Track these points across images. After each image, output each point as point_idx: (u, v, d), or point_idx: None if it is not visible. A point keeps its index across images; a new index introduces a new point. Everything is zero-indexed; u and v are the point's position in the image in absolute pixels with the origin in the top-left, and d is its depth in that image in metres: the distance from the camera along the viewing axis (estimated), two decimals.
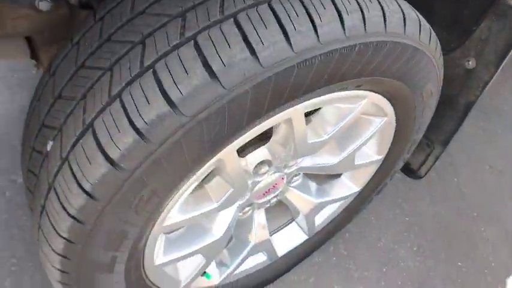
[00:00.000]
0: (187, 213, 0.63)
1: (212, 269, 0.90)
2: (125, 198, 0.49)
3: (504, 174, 1.48)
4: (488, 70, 0.87)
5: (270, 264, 1.02)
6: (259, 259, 0.99)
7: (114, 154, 0.46)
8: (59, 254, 0.51)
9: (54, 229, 0.49)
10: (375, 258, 1.20)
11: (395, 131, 0.84)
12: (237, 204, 0.75)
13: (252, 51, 0.45)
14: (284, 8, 0.47)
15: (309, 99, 0.57)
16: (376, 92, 0.68)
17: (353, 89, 0.62)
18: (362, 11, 0.52)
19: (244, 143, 0.57)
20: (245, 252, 0.89)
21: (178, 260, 0.72)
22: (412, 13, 0.61)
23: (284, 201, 0.91)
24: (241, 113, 0.49)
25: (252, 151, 0.70)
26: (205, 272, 0.89)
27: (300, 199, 0.91)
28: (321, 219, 1.01)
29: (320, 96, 0.58)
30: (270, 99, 0.50)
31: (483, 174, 1.47)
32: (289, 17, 0.47)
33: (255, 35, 0.46)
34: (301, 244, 1.04)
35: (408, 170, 1.16)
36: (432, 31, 0.68)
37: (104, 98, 0.47)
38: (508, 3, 0.77)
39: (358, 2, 0.52)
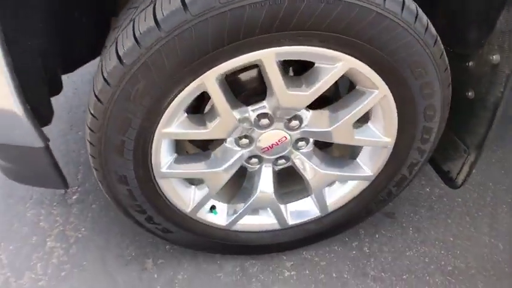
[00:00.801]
0: (182, 128, 0.83)
1: (221, 209, 1.06)
2: (126, 88, 0.72)
3: None
4: (509, 63, 0.84)
5: (279, 231, 1.12)
6: (270, 221, 1.11)
7: (120, 52, 0.70)
8: (91, 113, 0.78)
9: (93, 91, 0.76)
10: (398, 264, 1.16)
11: (398, 111, 0.89)
12: (232, 140, 0.90)
13: None
14: None
15: (275, 46, 0.72)
16: (355, 58, 0.77)
17: (320, 46, 0.73)
18: None
19: (220, 72, 0.74)
20: (249, 202, 1.03)
21: (181, 175, 0.92)
22: None
23: (294, 167, 1.02)
24: (205, 38, 0.68)
25: (253, 102, 0.87)
26: (214, 209, 1.06)
27: (307, 166, 1.00)
28: (331, 198, 1.08)
29: (286, 46, 0.72)
30: (228, 32, 0.68)
31: None
32: None
33: None
34: (312, 221, 1.11)
35: (447, 179, 1.12)
36: (420, 13, 0.75)
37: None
38: None
39: None
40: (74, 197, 1.33)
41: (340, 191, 1.08)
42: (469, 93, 0.97)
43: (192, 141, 1.07)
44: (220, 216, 1.06)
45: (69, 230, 1.23)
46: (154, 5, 0.68)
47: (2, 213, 1.27)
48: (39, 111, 0.82)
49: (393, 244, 1.22)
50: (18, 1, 0.72)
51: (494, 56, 0.87)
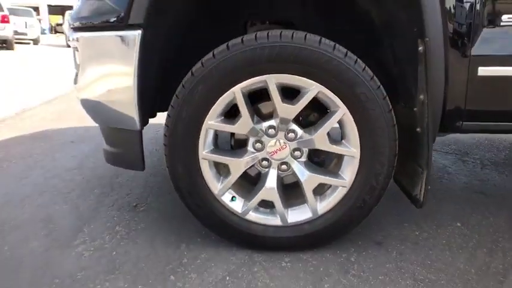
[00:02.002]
0: (219, 126, 1.37)
1: (239, 200, 1.48)
2: (192, 89, 1.33)
3: None
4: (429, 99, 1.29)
5: (281, 227, 1.47)
6: (275, 218, 1.47)
7: (193, 69, 1.34)
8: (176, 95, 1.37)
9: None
10: (377, 269, 1.40)
11: (357, 128, 1.34)
12: (251, 143, 1.41)
13: None
14: None
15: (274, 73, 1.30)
16: (321, 84, 1.30)
17: (301, 76, 1.30)
18: None
19: (243, 86, 1.32)
20: (259, 195, 1.44)
21: (214, 159, 1.41)
22: None
23: (293, 174, 1.45)
24: (235, 64, 1.30)
25: (266, 119, 1.41)
26: (234, 198, 1.48)
27: (301, 171, 1.43)
28: (321, 204, 1.44)
29: (281, 74, 1.30)
30: (246, 62, 1.29)
31: None
32: None
33: None
34: (307, 222, 1.46)
35: (415, 200, 1.44)
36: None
37: None
38: None
39: None
40: (141, 208, 1.83)
41: (327, 198, 1.45)
42: (418, 129, 1.40)
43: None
44: (237, 203, 1.47)
45: (132, 223, 1.70)
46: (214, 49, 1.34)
47: (96, 213, 1.81)
48: (143, 113, 1.45)
49: (376, 259, 1.46)
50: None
51: (421, 96, 1.34)
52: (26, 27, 15.42)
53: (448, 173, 2.27)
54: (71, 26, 1.50)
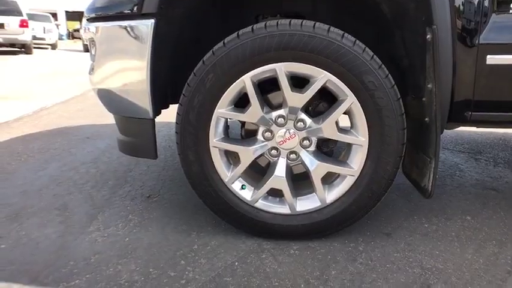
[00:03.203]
0: (229, 114, 1.40)
1: (248, 188, 1.50)
2: (203, 77, 1.36)
3: None
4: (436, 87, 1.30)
5: (290, 215, 1.48)
6: (284, 206, 1.49)
7: (204, 58, 1.38)
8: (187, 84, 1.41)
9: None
10: (385, 258, 1.40)
11: (365, 116, 1.35)
12: (261, 133, 1.43)
13: None
14: None
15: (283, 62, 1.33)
16: (330, 73, 1.33)
17: (308, 64, 1.32)
18: None
19: (251, 75, 1.35)
20: (268, 183, 1.46)
21: (224, 147, 1.44)
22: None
23: (302, 163, 1.47)
24: (244, 53, 1.33)
25: (275, 109, 1.44)
26: (244, 185, 1.50)
27: (309, 160, 1.45)
28: (329, 193, 1.45)
29: (289, 62, 1.33)
30: (256, 50, 1.32)
31: None
32: None
33: None
34: (315, 211, 1.47)
35: (423, 191, 1.44)
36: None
37: None
38: None
39: None
40: (154, 199, 1.87)
41: (336, 187, 1.47)
42: (426, 119, 1.41)
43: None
44: (247, 192, 1.50)
45: (145, 212, 1.74)
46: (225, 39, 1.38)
47: (109, 202, 1.86)
48: (155, 107, 1.48)
49: (384, 248, 1.46)
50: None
51: (429, 85, 1.35)
52: (44, 32, 15.77)
53: (460, 170, 2.26)
54: (87, 18, 1.56)
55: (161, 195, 1.92)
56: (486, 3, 1.25)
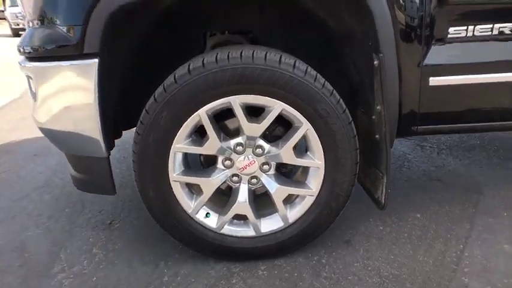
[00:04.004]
0: (187, 145, 1.40)
1: (213, 216, 1.53)
2: (156, 115, 1.34)
3: None
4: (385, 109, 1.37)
5: (255, 237, 1.53)
6: (247, 229, 1.54)
7: (155, 94, 1.34)
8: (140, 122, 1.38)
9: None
10: (346, 270, 1.50)
11: (320, 142, 1.40)
12: (221, 161, 1.45)
13: None
14: None
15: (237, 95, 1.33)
16: (284, 103, 1.35)
17: (263, 95, 1.34)
18: None
19: (206, 109, 1.34)
20: (232, 210, 1.49)
21: (185, 180, 1.44)
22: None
23: (263, 185, 1.51)
24: (197, 88, 1.31)
25: (233, 136, 1.44)
26: (208, 214, 1.52)
27: (270, 184, 1.49)
28: (291, 212, 1.51)
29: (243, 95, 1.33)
30: (209, 85, 1.31)
31: None
32: None
33: None
34: (279, 231, 1.53)
35: (377, 202, 1.54)
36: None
37: None
38: None
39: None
40: (116, 225, 1.85)
41: (296, 206, 1.53)
42: (377, 136, 1.48)
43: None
44: (212, 219, 1.52)
45: (109, 243, 1.72)
46: (176, 72, 1.34)
47: (70, 235, 1.80)
48: (107, 141, 1.44)
49: (345, 259, 1.56)
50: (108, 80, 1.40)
51: (378, 106, 1.41)
52: None
53: (407, 160, 2.41)
54: (24, 54, 1.45)
55: (122, 219, 1.90)
56: (427, 33, 1.31)
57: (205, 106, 1.35)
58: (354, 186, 1.50)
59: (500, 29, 1.31)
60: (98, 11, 1.25)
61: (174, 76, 1.33)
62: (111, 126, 1.51)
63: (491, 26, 1.30)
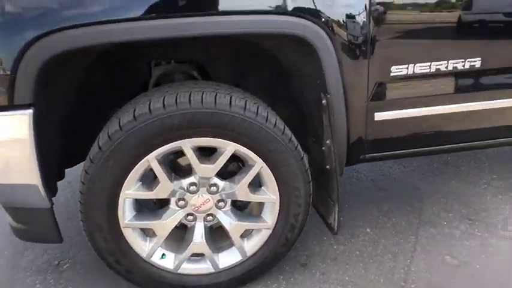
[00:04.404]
0: (137, 191, 1.34)
1: (169, 256, 1.50)
2: (103, 164, 1.27)
3: None
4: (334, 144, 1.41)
5: (214, 273, 1.53)
6: (206, 266, 1.53)
7: (100, 143, 1.26)
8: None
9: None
10: None
11: (275, 177, 1.41)
12: (174, 202, 1.41)
13: None
14: None
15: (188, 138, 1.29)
16: (237, 143, 1.34)
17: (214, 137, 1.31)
18: None
19: (156, 155, 1.29)
20: (188, 250, 1.47)
21: (137, 226, 1.39)
22: None
23: (220, 222, 1.50)
24: (145, 134, 1.25)
25: (186, 176, 1.41)
26: (164, 255, 1.49)
27: (227, 220, 1.48)
28: (248, 246, 1.52)
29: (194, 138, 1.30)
30: (158, 131, 1.26)
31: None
32: None
33: None
34: (237, 265, 1.54)
35: (331, 228, 1.59)
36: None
37: None
38: None
39: None
40: (65, 266, 1.75)
41: (253, 239, 1.53)
42: (327, 167, 1.52)
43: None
44: (168, 260, 1.49)
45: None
46: (120, 117, 1.28)
47: (13, 282, 1.68)
48: (49, 186, 1.35)
49: (303, 284, 1.61)
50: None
51: (328, 141, 1.45)
52: None
53: (356, 171, 2.50)
54: None
55: (72, 258, 1.80)
56: (372, 72, 1.35)
57: (155, 151, 1.30)
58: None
59: (437, 67, 1.38)
60: (28, 60, 1.14)
61: (119, 123, 1.26)
62: (53, 172, 1.41)
63: (428, 64, 1.37)
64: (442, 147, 1.64)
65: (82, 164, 1.37)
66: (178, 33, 1.20)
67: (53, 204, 1.35)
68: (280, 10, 1.22)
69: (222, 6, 1.21)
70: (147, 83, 1.70)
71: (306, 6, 1.22)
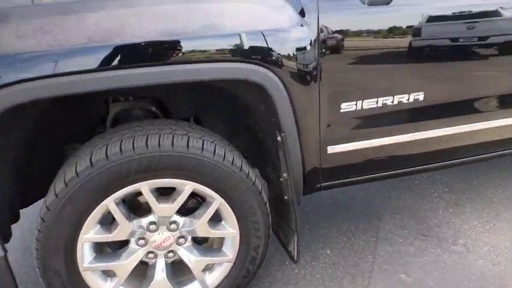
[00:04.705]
0: (96, 234, 1.34)
1: None
2: (60, 211, 1.25)
3: None
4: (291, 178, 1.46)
5: None
6: None
7: (56, 190, 1.25)
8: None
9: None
10: None
11: (233, 212, 1.45)
12: (134, 241, 1.41)
13: None
14: None
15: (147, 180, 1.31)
16: (195, 182, 1.36)
17: (172, 178, 1.33)
18: None
19: (114, 198, 1.30)
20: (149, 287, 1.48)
21: (97, 268, 1.39)
22: None
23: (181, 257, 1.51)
24: (101, 180, 1.25)
25: (145, 214, 1.41)
26: None
27: (188, 256, 1.50)
28: (211, 279, 1.55)
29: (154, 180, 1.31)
30: (115, 175, 1.26)
31: None
32: None
33: None
34: None
35: (291, 256, 1.64)
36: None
37: None
38: None
39: None
40: None
41: (215, 272, 1.56)
42: (285, 197, 1.57)
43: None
44: None
45: None
46: (77, 162, 1.27)
47: None
48: (2, 231, 1.32)
49: None
50: None
51: (284, 174, 1.50)
52: None
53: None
54: None
55: None
56: (323, 109, 1.42)
57: (113, 195, 1.30)
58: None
59: (383, 102, 1.47)
60: None
61: (76, 170, 1.25)
62: (6, 216, 1.38)
63: (375, 100, 1.45)
64: (394, 171, 1.73)
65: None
66: (140, 83, 1.22)
67: (6, 252, 1.32)
68: (236, 58, 1.26)
69: (176, 57, 1.24)
70: (105, 118, 1.69)
71: (261, 54, 1.27)
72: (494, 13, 1.60)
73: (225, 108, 1.70)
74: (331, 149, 1.49)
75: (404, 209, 2.33)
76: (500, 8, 1.58)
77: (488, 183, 2.60)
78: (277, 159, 1.50)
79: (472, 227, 2.17)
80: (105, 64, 1.17)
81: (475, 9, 1.57)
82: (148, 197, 1.35)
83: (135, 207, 1.46)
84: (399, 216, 2.26)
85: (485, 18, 1.57)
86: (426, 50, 1.52)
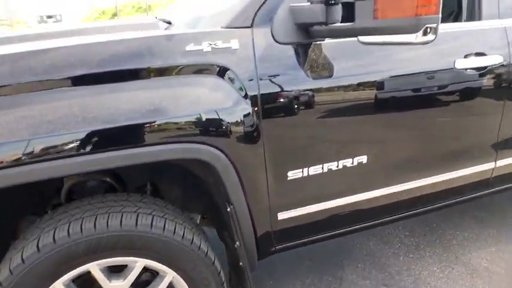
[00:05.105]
0: None
1: None
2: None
3: None
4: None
5: None
6: None
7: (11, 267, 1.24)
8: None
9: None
10: None
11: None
12: None
13: None
14: None
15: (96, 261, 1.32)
16: (146, 258, 1.38)
17: (124, 256, 1.34)
18: None
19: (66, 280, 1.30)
20: None
21: None
22: None
23: None
24: (48, 264, 1.26)
25: None
26: None
27: None
28: None
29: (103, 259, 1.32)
30: (62, 259, 1.27)
31: None
32: None
33: None
34: None
35: None
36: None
37: None
38: None
39: None
40: None
41: None
42: (241, 264, 1.59)
43: None
44: None
45: None
46: (23, 247, 1.27)
47: None
48: None
49: None
50: None
51: (237, 242, 1.53)
52: None
53: None
54: None
55: None
56: (270, 179, 1.49)
57: (61, 278, 1.30)
58: None
59: (328, 167, 1.54)
60: None
61: (22, 256, 1.26)
62: None
63: (320, 165, 1.53)
64: (349, 228, 1.79)
65: None
66: (91, 168, 1.27)
67: None
68: (182, 139, 1.32)
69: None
70: (60, 189, 1.70)
71: (205, 133, 1.33)
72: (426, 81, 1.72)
73: (179, 175, 1.74)
74: (282, 215, 1.54)
75: (367, 257, 2.38)
76: (429, 75, 1.71)
77: (448, 224, 2.70)
78: (230, 228, 1.54)
79: (431, 272, 2.23)
80: (59, 153, 1.22)
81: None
82: (99, 277, 1.35)
83: (88, 284, 1.46)
84: (362, 265, 2.30)
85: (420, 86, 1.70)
86: (364, 115, 1.61)
